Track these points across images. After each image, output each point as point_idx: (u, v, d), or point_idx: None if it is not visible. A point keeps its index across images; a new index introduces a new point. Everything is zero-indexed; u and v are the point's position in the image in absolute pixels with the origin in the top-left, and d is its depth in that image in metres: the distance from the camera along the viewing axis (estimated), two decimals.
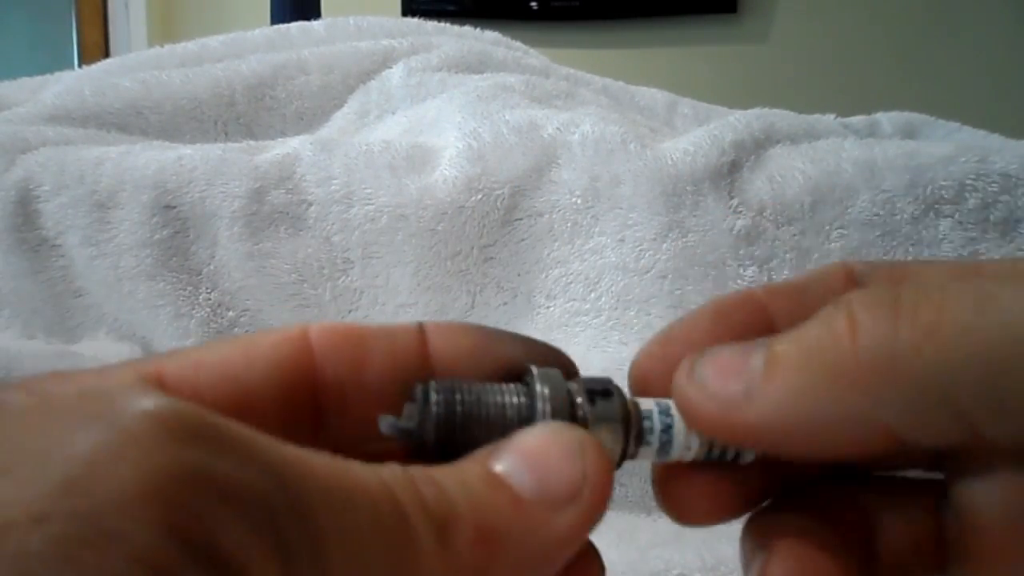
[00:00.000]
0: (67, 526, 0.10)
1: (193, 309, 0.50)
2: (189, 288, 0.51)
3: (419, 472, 0.14)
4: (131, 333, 0.52)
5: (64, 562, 0.10)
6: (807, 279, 0.19)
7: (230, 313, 0.51)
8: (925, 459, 0.18)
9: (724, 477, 0.18)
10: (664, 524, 0.46)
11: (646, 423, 0.17)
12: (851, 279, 0.18)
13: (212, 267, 0.51)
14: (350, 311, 0.51)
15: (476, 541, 0.14)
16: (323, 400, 0.17)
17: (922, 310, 0.14)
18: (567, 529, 0.15)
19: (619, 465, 0.17)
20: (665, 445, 0.17)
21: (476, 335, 0.18)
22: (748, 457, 0.18)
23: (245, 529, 0.11)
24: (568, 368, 0.18)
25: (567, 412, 0.17)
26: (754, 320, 0.18)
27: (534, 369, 0.17)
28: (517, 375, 0.17)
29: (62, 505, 0.10)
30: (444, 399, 0.16)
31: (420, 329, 0.18)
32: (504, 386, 0.17)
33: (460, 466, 0.15)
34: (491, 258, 0.51)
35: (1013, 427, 0.14)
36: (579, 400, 0.17)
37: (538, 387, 0.17)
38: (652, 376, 0.18)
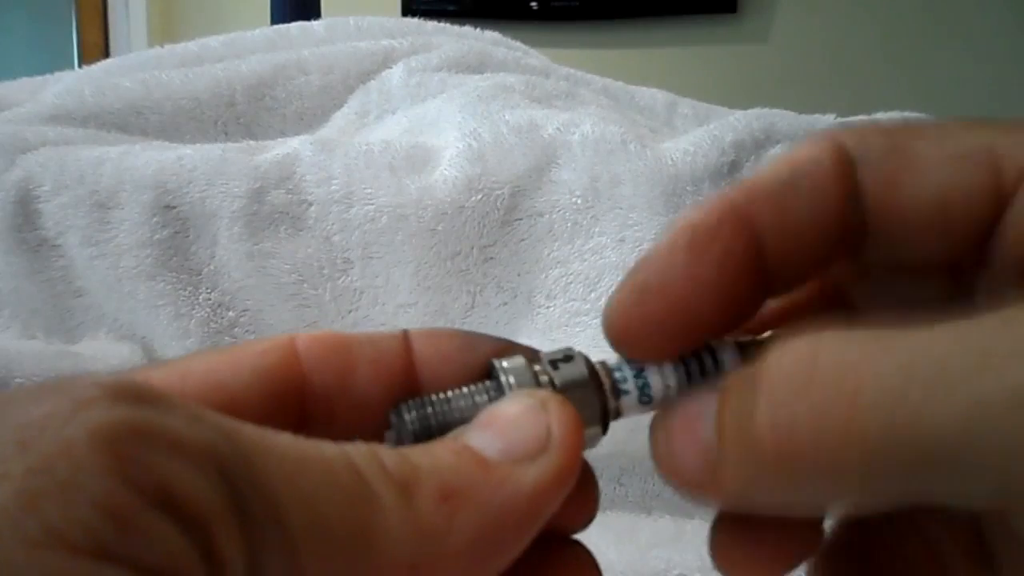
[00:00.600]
0: (24, 481, 0.10)
1: (193, 309, 0.50)
2: (189, 288, 0.51)
3: (382, 447, 0.15)
4: (131, 333, 0.52)
5: (26, 512, 0.10)
6: (792, 172, 0.17)
7: (230, 313, 0.51)
8: None
9: (779, 538, 0.17)
10: (664, 524, 0.46)
11: (617, 374, 0.17)
12: (845, 175, 0.16)
13: (212, 267, 0.51)
14: (350, 311, 0.51)
15: (439, 499, 0.14)
16: (310, 408, 0.17)
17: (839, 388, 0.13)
18: (535, 483, 0.15)
19: (606, 426, 0.17)
20: (644, 388, 0.17)
21: (458, 339, 0.18)
22: (727, 356, 0.17)
23: (199, 479, 0.12)
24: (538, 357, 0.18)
25: (532, 384, 0.17)
26: (738, 244, 0.16)
27: (496, 361, 0.17)
28: (488, 376, 0.18)
29: (17, 463, 0.11)
30: (417, 415, 0.17)
31: (404, 336, 0.18)
32: (473, 386, 0.17)
33: (429, 444, 0.15)
34: (491, 258, 0.51)
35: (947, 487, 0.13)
36: (539, 369, 0.17)
37: (503, 376, 0.17)
38: (631, 333, 0.17)
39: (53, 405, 0.12)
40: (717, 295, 0.16)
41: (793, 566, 0.18)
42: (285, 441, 0.13)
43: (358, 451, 0.14)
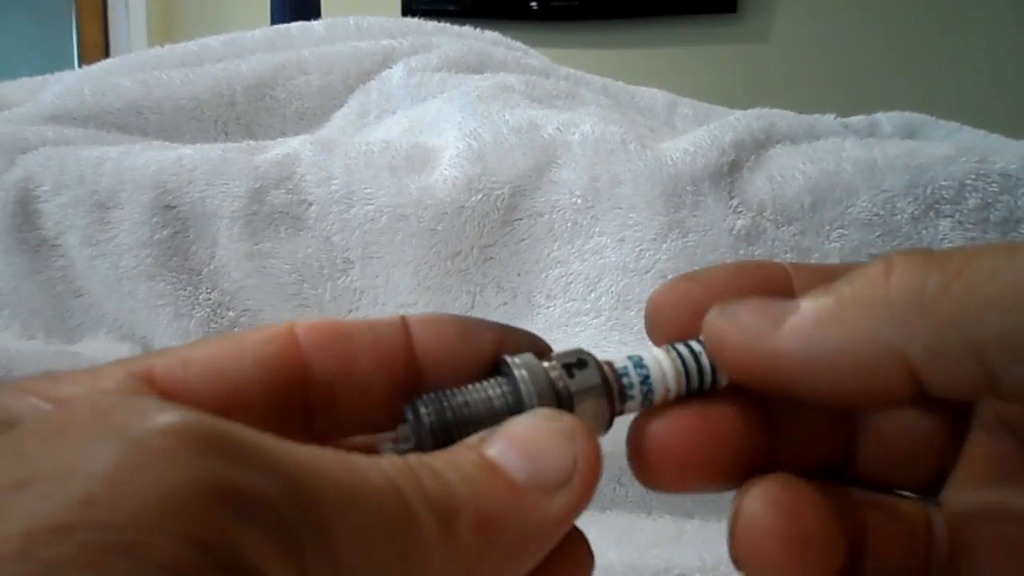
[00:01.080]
0: (90, 535, 0.10)
1: (193, 309, 0.50)
2: (189, 288, 0.51)
3: (417, 461, 0.15)
4: (131, 333, 0.52)
5: (88, 568, 0.10)
6: (837, 267, 0.19)
7: (230, 313, 0.51)
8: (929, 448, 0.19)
9: (700, 436, 0.18)
10: (664, 524, 0.46)
11: (624, 379, 0.18)
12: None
13: (212, 267, 0.51)
14: (350, 311, 0.51)
15: (476, 528, 0.14)
16: (311, 395, 0.17)
17: (954, 258, 0.15)
18: (559, 512, 0.15)
19: (610, 424, 0.18)
20: (647, 394, 0.18)
21: (457, 325, 0.18)
22: (723, 381, 0.18)
23: (264, 537, 0.12)
24: (543, 350, 0.19)
25: (550, 391, 0.17)
26: (776, 282, 0.19)
27: (509, 358, 0.18)
28: (495, 368, 0.18)
29: (85, 517, 0.10)
30: (434, 409, 0.17)
31: (403, 322, 0.18)
32: (486, 382, 0.18)
33: (454, 452, 0.16)
34: (491, 258, 0.51)
35: None
36: (556, 375, 0.18)
37: (517, 373, 0.17)
38: (668, 308, 0.19)
39: (122, 451, 0.11)
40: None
41: (709, 480, 0.18)
42: (335, 467, 0.13)
43: (400, 474, 0.14)
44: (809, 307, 0.16)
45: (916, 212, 0.48)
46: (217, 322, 0.51)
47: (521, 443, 0.16)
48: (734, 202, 0.50)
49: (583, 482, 0.16)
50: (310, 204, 0.51)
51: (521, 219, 0.51)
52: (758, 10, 2.11)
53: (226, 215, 0.51)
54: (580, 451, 0.16)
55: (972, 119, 0.66)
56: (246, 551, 0.11)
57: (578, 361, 0.18)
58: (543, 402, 0.17)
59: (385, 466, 0.14)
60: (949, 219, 0.48)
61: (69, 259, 0.52)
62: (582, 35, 2.11)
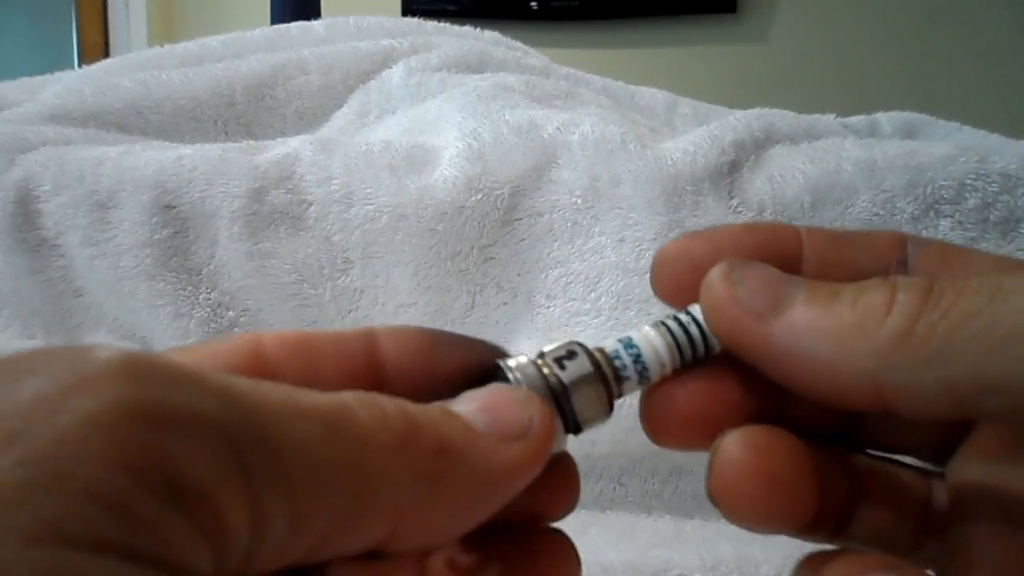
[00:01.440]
0: (14, 474, 0.10)
1: (193, 309, 0.50)
2: (189, 288, 0.51)
3: (381, 395, 0.15)
4: (131, 333, 0.52)
5: (18, 508, 0.10)
6: (855, 234, 0.20)
7: (230, 313, 0.51)
8: (918, 445, 0.20)
9: (705, 393, 0.19)
10: (664, 524, 0.46)
11: (617, 362, 0.18)
12: (900, 246, 0.19)
13: (212, 267, 0.51)
14: (350, 311, 0.51)
15: (436, 451, 0.15)
16: None
17: (946, 295, 0.16)
18: (513, 460, 0.16)
19: (611, 408, 0.18)
20: (643, 372, 0.18)
21: (423, 337, 0.19)
22: (716, 347, 0.19)
23: (204, 455, 0.12)
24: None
25: (543, 385, 0.18)
26: (785, 247, 0.19)
27: (503, 363, 0.18)
28: (481, 376, 0.18)
29: (6, 456, 0.10)
30: None
31: (370, 334, 0.18)
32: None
33: (421, 405, 0.16)
34: (491, 258, 0.51)
35: (997, 406, 0.15)
36: (548, 371, 0.18)
37: (511, 376, 0.18)
38: (670, 265, 0.20)
39: (45, 382, 0.11)
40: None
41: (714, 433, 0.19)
42: (284, 393, 0.14)
43: (359, 398, 0.15)
44: (808, 311, 0.17)
45: (916, 212, 0.48)
46: (217, 322, 0.51)
47: (480, 400, 0.17)
48: (734, 202, 0.50)
49: (537, 438, 0.16)
50: (310, 204, 0.51)
51: (521, 219, 0.51)
52: (758, 10, 2.11)
53: (226, 215, 0.51)
54: (535, 413, 0.17)
55: (972, 119, 0.66)
56: (181, 470, 0.11)
57: (568, 353, 0.18)
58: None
59: (345, 395, 0.15)
60: (949, 219, 0.48)
61: (69, 259, 0.52)
62: (582, 35, 2.11)
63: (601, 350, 0.19)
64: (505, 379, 0.18)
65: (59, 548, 0.10)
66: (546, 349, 0.18)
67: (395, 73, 0.66)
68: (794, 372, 0.17)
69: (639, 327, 0.19)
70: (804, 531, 0.19)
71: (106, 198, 0.51)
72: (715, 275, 0.18)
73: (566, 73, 0.70)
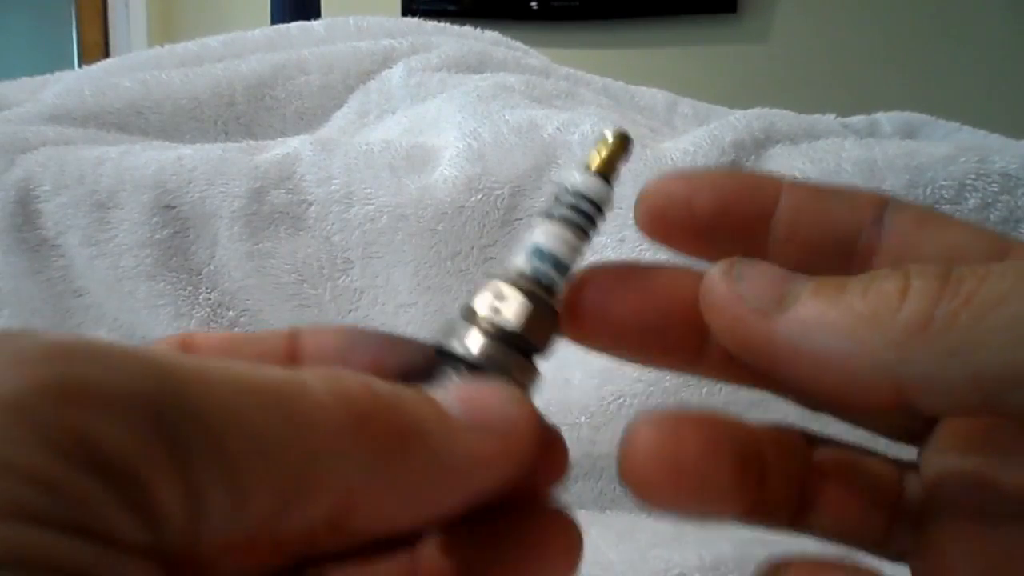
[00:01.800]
0: None
1: (193, 309, 0.50)
2: (189, 288, 0.51)
3: (350, 372, 0.15)
4: (131, 333, 0.52)
5: None
6: (836, 191, 0.19)
7: (230, 313, 0.51)
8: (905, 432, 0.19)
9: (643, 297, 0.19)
10: (664, 524, 0.46)
11: (544, 279, 0.18)
12: (879, 205, 0.19)
13: (212, 267, 0.51)
14: (350, 311, 0.51)
15: (399, 433, 0.15)
16: None
17: (966, 281, 0.15)
18: (491, 454, 0.16)
19: (556, 316, 0.18)
20: (566, 271, 0.18)
21: (344, 336, 0.18)
22: (606, 203, 0.19)
23: (125, 429, 0.12)
24: (430, 356, 0.18)
25: (500, 349, 0.17)
26: (761, 194, 0.19)
27: (446, 344, 0.18)
28: (425, 373, 0.18)
29: None
30: None
31: (291, 333, 0.18)
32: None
33: (394, 384, 0.16)
34: (491, 258, 0.51)
35: None
36: (493, 330, 0.17)
37: (463, 352, 0.17)
38: (651, 203, 0.20)
39: None
40: (723, 211, 0.19)
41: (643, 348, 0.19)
42: (229, 368, 0.14)
43: (320, 373, 0.14)
44: (815, 304, 0.16)
45: None
46: (217, 322, 0.51)
47: (462, 389, 0.16)
48: None
49: (522, 437, 0.16)
50: (310, 204, 0.51)
51: (521, 219, 0.51)
52: (758, 10, 2.11)
53: (226, 215, 0.51)
54: (522, 412, 0.16)
55: (972, 119, 0.66)
56: (102, 444, 0.11)
57: (497, 297, 0.18)
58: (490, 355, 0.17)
59: (306, 371, 0.15)
60: None
61: (69, 259, 0.52)
62: (582, 35, 2.11)
63: (521, 274, 0.18)
64: (454, 361, 0.17)
65: None
66: (475, 306, 0.18)
67: (395, 73, 0.66)
68: (805, 370, 0.16)
69: (534, 228, 0.18)
70: (748, 518, 0.18)
71: (106, 198, 0.51)
72: (715, 273, 0.17)
73: (566, 73, 0.70)
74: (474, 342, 0.17)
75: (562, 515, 0.18)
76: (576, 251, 0.18)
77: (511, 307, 0.17)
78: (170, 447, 0.12)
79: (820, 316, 0.16)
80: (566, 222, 0.18)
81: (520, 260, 0.18)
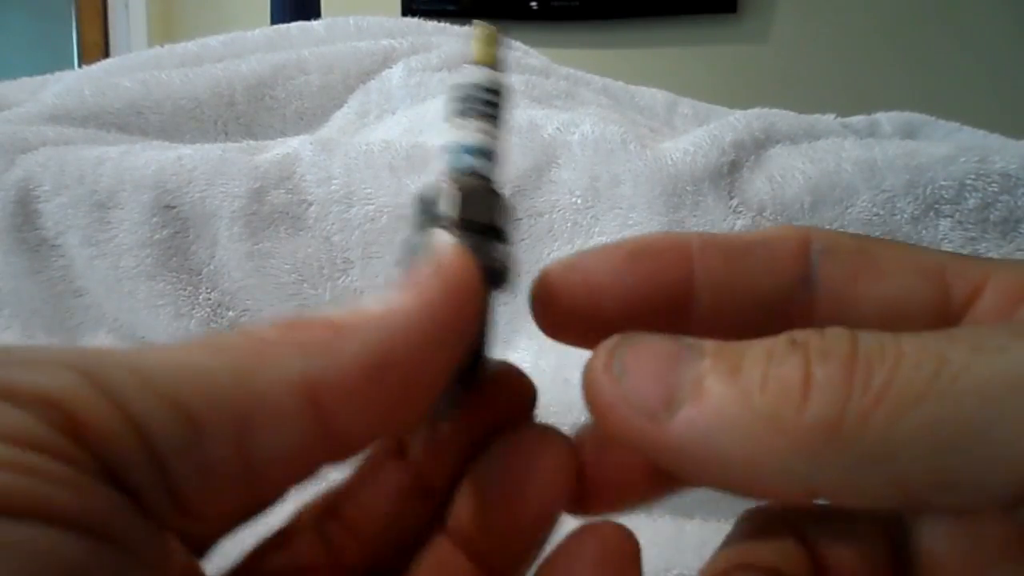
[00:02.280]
0: None
1: (193, 309, 0.50)
2: (189, 288, 0.51)
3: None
4: (131, 333, 0.52)
5: None
6: (753, 241, 0.17)
7: (230, 313, 0.51)
8: None
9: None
10: (664, 524, 0.46)
11: (473, 166, 0.18)
12: (804, 254, 0.17)
13: (212, 267, 0.51)
14: None
15: (326, 326, 0.15)
16: None
17: (876, 369, 0.13)
18: (417, 299, 0.15)
19: (500, 193, 0.18)
20: (490, 155, 0.18)
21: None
22: (504, 90, 0.18)
23: (40, 372, 0.13)
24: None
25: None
26: (672, 275, 0.17)
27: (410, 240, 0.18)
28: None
29: None
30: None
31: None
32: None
33: None
34: None
35: (954, 501, 0.13)
36: (436, 218, 0.17)
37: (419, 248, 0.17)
38: (545, 303, 0.18)
39: None
40: (633, 303, 0.17)
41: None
42: (158, 345, 0.15)
43: (253, 322, 0.15)
44: (709, 400, 0.14)
45: (916, 212, 0.48)
46: (217, 322, 0.51)
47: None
48: (734, 202, 0.50)
49: (442, 272, 0.16)
50: (310, 204, 0.51)
51: (521, 219, 0.51)
52: (758, 10, 2.11)
53: (226, 215, 0.51)
54: (444, 254, 0.16)
55: (972, 119, 0.66)
56: (13, 381, 0.12)
57: (432, 199, 0.18)
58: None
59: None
60: (949, 219, 0.48)
61: (69, 259, 0.52)
62: (582, 35, 2.11)
63: (452, 171, 0.18)
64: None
65: None
66: (416, 214, 0.18)
67: (395, 73, 0.66)
68: (709, 476, 0.15)
69: (448, 133, 0.18)
70: None
71: (106, 198, 0.51)
72: (595, 366, 0.16)
73: (566, 73, 0.70)
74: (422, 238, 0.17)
75: (549, 430, 0.18)
76: (494, 137, 0.18)
77: (446, 197, 0.17)
78: (92, 382, 0.13)
79: (715, 417, 0.14)
80: (475, 114, 0.18)
81: (442, 163, 0.18)
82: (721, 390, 0.14)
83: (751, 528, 0.18)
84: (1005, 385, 0.13)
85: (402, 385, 0.15)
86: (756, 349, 0.15)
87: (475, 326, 0.17)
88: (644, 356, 0.15)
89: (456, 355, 0.16)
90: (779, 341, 0.15)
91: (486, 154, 0.18)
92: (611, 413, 0.15)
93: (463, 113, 0.18)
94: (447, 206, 0.17)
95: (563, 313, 0.17)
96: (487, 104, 0.18)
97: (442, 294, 0.15)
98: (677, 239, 0.17)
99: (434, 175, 0.19)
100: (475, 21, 0.19)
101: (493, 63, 0.19)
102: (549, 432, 0.18)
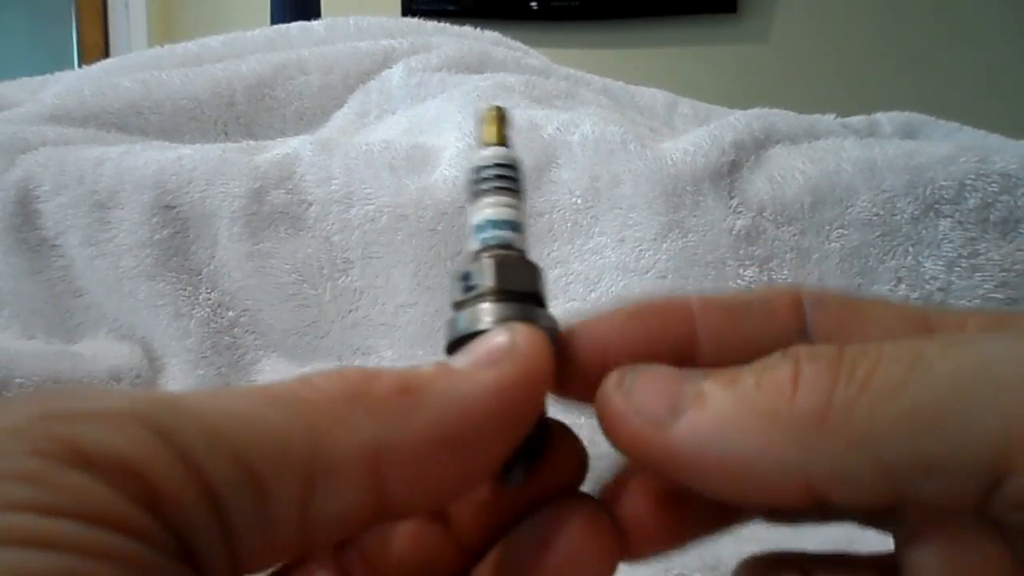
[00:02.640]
0: None
1: (193, 309, 0.50)
2: (189, 288, 0.51)
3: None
4: (131, 333, 0.52)
5: None
6: (750, 299, 0.18)
7: (230, 313, 0.51)
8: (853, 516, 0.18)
9: (675, 505, 0.18)
10: None
11: (493, 240, 0.18)
12: (798, 308, 0.18)
13: (212, 267, 0.51)
14: (350, 311, 0.51)
15: (397, 391, 0.15)
16: None
17: (861, 363, 0.15)
18: (496, 380, 0.15)
19: (533, 263, 0.19)
20: (516, 227, 0.19)
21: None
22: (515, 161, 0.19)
23: (117, 433, 0.13)
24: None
25: (503, 298, 0.18)
26: (675, 331, 0.18)
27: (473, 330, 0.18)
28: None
29: None
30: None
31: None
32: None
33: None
34: None
35: (935, 487, 0.14)
36: (481, 293, 0.18)
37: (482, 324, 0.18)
38: (564, 356, 0.18)
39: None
40: (640, 359, 0.18)
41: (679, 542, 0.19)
42: (226, 388, 0.14)
43: (317, 372, 0.15)
44: (710, 404, 0.15)
45: (916, 212, 0.48)
46: (217, 322, 0.51)
47: (464, 348, 0.17)
48: (734, 202, 0.50)
49: (520, 355, 0.16)
50: (310, 204, 0.51)
51: None
52: (758, 10, 2.11)
53: (226, 215, 0.51)
54: (519, 333, 0.16)
55: (972, 119, 0.66)
56: (90, 446, 0.12)
57: (465, 276, 0.18)
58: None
59: (306, 372, 0.15)
60: (949, 219, 0.48)
61: (69, 259, 0.52)
62: (582, 35, 2.11)
63: (482, 248, 0.19)
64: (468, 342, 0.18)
65: None
66: (458, 295, 0.18)
67: (395, 73, 0.66)
68: (712, 478, 0.15)
69: (472, 212, 0.19)
70: None
71: (106, 198, 0.51)
72: (607, 388, 0.17)
73: (566, 73, 0.70)
74: (472, 315, 0.18)
75: (591, 502, 0.18)
76: (518, 209, 0.19)
77: (487, 270, 0.18)
78: (169, 446, 0.13)
79: (716, 417, 0.15)
80: (496, 191, 0.19)
81: (474, 241, 0.19)
82: (720, 395, 0.15)
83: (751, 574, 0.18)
84: (973, 370, 0.14)
85: (465, 460, 0.15)
86: (752, 364, 0.16)
87: (544, 405, 0.17)
88: (651, 376, 0.16)
89: (523, 432, 0.16)
90: (773, 355, 0.16)
91: (514, 227, 0.19)
92: (621, 423, 0.16)
93: (485, 191, 0.19)
94: (489, 278, 0.18)
95: (570, 374, 0.18)
96: (506, 179, 0.19)
97: (518, 375, 0.16)
98: (677, 299, 0.18)
99: (469, 252, 0.19)
100: (483, 104, 0.20)
101: (504, 141, 0.20)
102: (594, 510, 0.18)
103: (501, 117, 0.20)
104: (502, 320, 0.17)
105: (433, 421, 0.15)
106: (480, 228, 0.19)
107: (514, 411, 0.16)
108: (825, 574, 0.17)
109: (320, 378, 0.15)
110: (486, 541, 0.18)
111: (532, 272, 0.19)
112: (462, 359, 0.16)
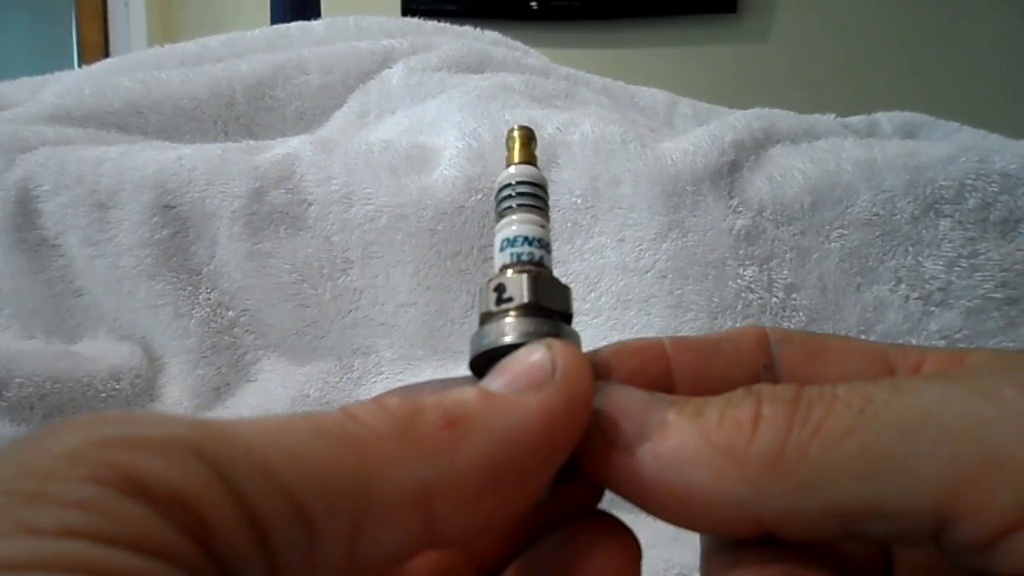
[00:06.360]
0: (10, 500, 0.12)
1: (193, 309, 0.50)
2: (189, 288, 0.51)
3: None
4: (131, 333, 0.52)
5: (5, 518, 0.11)
6: (719, 339, 0.19)
7: (230, 313, 0.51)
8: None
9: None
10: (663, 524, 0.46)
11: (525, 256, 0.19)
12: (763, 346, 0.19)
13: (212, 267, 0.51)
14: (350, 311, 0.51)
15: (443, 426, 0.15)
16: None
17: (815, 408, 0.15)
18: (540, 407, 0.15)
19: (559, 280, 0.19)
20: (543, 244, 0.19)
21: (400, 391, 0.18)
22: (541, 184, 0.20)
23: (171, 464, 0.12)
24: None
25: (534, 314, 0.18)
26: (653, 368, 0.19)
27: (499, 345, 0.18)
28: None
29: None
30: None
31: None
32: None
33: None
34: (491, 258, 0.51)
35: (884, 529, 0.15)
36: (512, 305, 0.18)
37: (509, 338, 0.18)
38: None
39: (27, 437, 0.13)
40: None
41: None
42: (269, 418, 0.14)
43: (358, 404, 0.15)
44: (674, 434, 0.16)
45: (916, 212, 0.48)
46: (217, 322, 0.51)
47: (501, 367, 0.16)
48: (734, 202, 0.50)
49: (563, 379, 0.16)
50: (310, 204, 0.51)
51: None
52: (758, 10, 2.11)
53: (226, 215, 0.51)
54: (559, 355, 0.16)
55: (972, 119, 0.66)
56: (146, 475, 0.12)
57: (499, 287, 0.18)
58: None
59: (350, 404, 0.15)
60: (949, 219, 0.48)
61: (69, 259, 0.52)
62: (582, 35, 2.11)
63: (510, 263, 0.19)
64: (496, 357, 0.17)
65: (36, 538, 0.11)
66: (487, 307, 0.18)
67: (395, 73, 0.66)
68: (668, 504, 0.16)
69: (500, 228, 0.19)
70: None
71: (106, 198, 0.51)
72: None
73: (566, 73, 0.70)
74: (501, 330, 0.18)
75: (614, 520, 0.18)
76: (546, 229, 0.19)
77: (517, 285, 0.18)
78: (221, 479, 0.13)
79: (679, 447, 0.16)
80: (523, 208, 0.19)
81: (505, 255, 0.19)
82: (684, 426, 0.16)
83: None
84: (915, 418, 0.14)
85: (514, 488, 0.15)
86: (717, 398, 0.16)
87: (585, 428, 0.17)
88: (619, 399, 0.17)
89: (568, 453, 0.16)
90: (738, 391, 0.16)
91: (544, 245, 0.19)
92: (591, 445, 0.17)
93: (518, 207, 0.19)
94: (526, 293, 0.18)
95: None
96: (536, 198, 0.19)
97: (563, 399, 0.16)
98: (651, 342, 0.19)
99: (497, 265, 0.19)
100: (516, 125, 0.21)
101: (533, 160, 0.20)
102: (613, 526, 0.18)
103: (531, 137, 0.20)
104: (539, 335, 0.17)
105: (482, 455, 0.15)
106: (512, 242, 0.19)
107: (562, 437, 0.16)
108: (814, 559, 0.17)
109: (364, 412, 0.14)
110: (504, 559, 0.18)
111: (565, 292, 0.19)
112: (499, 380, 0.16)
